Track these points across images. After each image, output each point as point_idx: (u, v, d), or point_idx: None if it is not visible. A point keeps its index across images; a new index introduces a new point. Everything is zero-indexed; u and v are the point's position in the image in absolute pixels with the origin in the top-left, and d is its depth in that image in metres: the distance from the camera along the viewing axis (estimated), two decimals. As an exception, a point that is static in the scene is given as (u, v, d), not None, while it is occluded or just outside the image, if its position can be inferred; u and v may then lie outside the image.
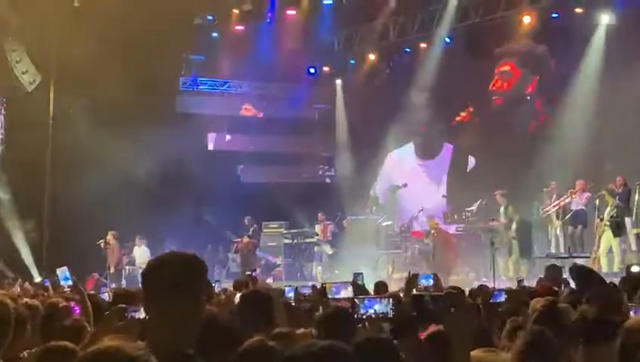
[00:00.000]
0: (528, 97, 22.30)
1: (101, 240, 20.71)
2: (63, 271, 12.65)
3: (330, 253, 22.05)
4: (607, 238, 16.90)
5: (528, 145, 20.99)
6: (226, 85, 25.50)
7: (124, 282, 20.07)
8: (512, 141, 21.55)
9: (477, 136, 22.49)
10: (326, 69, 26.21)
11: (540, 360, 3.87)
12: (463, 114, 23.51)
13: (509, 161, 20.67)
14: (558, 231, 18.83)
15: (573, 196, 18.06)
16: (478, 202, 20.39)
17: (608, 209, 16.91)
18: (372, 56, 24.96)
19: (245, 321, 4.57)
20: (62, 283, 12.20)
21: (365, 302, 4.17)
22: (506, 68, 22.47)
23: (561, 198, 18.34)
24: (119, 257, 20.91)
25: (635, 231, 16.92)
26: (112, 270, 20.66)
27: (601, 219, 16.85)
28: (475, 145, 22.85)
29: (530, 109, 21.97)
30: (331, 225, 22.17)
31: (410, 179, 24.54)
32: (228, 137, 25.66)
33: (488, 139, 21.98)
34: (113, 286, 18.54)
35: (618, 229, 16.85)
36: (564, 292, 7.90)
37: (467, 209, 20.28)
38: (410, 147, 25.21)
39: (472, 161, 23.40)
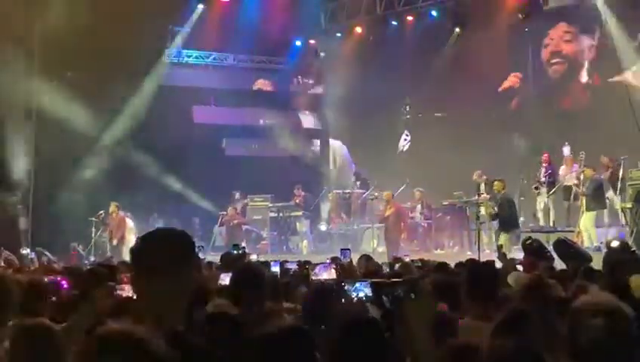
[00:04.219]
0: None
1: (101, 212, 20.61)
2: None
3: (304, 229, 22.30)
4: (585, 213, 17.14)
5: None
6: (212, 57, 25.34)
7: (109, 254, 19.99)
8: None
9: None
10: (312, 42, 26.13)
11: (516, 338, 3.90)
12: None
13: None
14: (543, 206, 18.91)
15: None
16: (403, 186, 20.77)
17: (587, 183, 17.07)
18: (358, 29, 24.89)
19: (237, 297, 4.60)
20: None
21: (357, 285, 4.13)
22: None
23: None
24: (123, 229, 20.57)
25: (621, 205, 17.05)
26: (114, 242, 20.32)
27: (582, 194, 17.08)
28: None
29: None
30: (300, 198, 22.34)
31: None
32: (213, 109, 25.52)
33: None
34: (92, 259, 18.52)
35: (591, 203, 16.98)
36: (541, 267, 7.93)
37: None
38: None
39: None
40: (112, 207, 20.40)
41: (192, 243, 2.90)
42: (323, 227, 22.66)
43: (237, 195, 22.73)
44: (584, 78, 21.44)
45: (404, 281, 3.15)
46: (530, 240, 11.30)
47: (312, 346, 2.98)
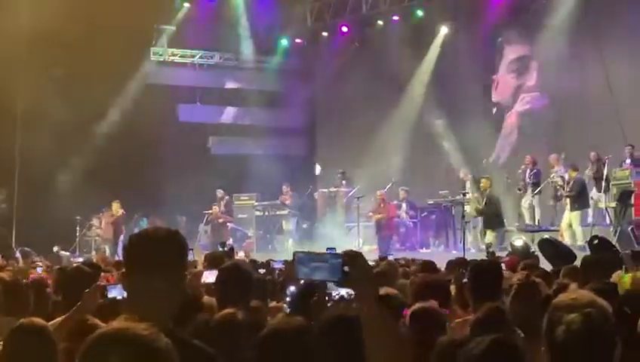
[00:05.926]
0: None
1: (103, 213, 20.52)
2: None
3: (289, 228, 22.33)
4: (569, 212, 17.22)
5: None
6: (198, 56, 25.27)
7: (93, 254, 19.92)
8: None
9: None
10: (298, 40, 26.10)
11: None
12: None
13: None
14: (527, 205, 18.97)
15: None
16: (390, 184, 20.74)
17: (571, 183, 17.13)
18: (344, 29, 24.89)
19: (223, 295, 4.61)
20: None
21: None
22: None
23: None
24: (121, 229, 20.54)
25: (606, 204, 17.14)
26: (121, 238, 20.31)
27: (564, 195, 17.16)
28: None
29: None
30: (288, 196, 22.35)
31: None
32: (199, 107, 25.45)
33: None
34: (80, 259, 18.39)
35: (575, 203, 17.06)
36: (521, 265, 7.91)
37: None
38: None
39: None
40: (117, 206, 20.31)
41: (185, 243, 2.88)
42: (308, 225, 22.63)
43: (219, 193, 22.69)
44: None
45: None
46: (516, 240, 11.38)
47: (313, 344, 2.99)
